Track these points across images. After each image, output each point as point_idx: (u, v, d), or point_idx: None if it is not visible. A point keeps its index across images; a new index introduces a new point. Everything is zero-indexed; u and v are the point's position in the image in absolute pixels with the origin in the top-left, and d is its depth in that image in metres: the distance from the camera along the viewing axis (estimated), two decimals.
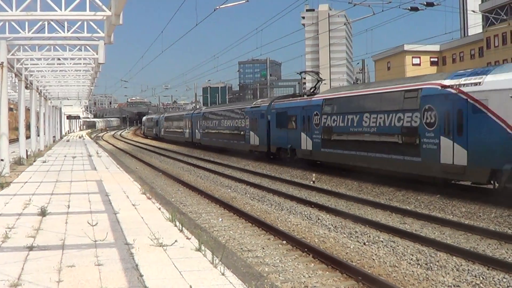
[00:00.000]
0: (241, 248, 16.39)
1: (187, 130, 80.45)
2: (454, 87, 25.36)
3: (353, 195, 27.40)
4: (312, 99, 40.09)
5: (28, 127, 51.72)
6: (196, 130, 74.73)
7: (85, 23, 24.82)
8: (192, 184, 32.48)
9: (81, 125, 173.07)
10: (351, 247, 16.51)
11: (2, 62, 27.40)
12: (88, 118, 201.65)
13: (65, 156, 44.31)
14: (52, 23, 25.64)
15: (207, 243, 11.80)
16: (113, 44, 25.87)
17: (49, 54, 34.75)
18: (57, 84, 57.74)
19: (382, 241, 17.05)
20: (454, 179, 26.98)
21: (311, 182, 33.30)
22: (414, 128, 28.00)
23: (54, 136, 76.48)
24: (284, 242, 17.07)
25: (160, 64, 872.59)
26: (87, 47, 32.43)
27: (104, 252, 11.10)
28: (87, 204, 17.84)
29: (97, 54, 30.38)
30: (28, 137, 49.46)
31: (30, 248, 11.53)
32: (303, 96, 44.44)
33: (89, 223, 14.10)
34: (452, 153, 25.31)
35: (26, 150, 39.19)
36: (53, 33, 26.89)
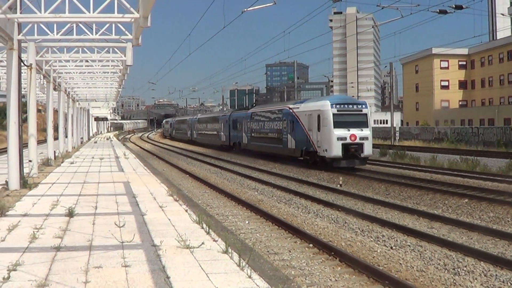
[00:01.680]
0: (268, 251, 16.37)
1: (188, 131, 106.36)
2: (292, 109, 48.82)
3: (380, 199, 27.29)
4: (248, 112, 65.55)
5: (56, 129, 51.97)
6: (194, 131, 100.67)
7: (113, 25, 24.89)
8: (219, 186, 32.52)
9: (108, 127, 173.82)
10: (378, 251, 16.44)
11: (31, 64, 27.51)
12: (116, 120, 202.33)
13: (93, 157, 44.56)
14: (80, 25, 25.76)
15: (234, 246, 11.79)
16: (141, 46, 25.90)
17: (77, 56, 34.92)
18: (85, 85, 58.03)
19: (409, 246, 16.96)
20: (292, 156, 48.99)
21: (338, 186, 33.27)
22: (280, 130, 51.90)
23: (81, 138, 76.90)
24: (311, 245, 17.03)
25: (187, 66, 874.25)
26: (115, 49, 32.55)
27: (131, 254, 11.13)
28: (115, 206, 17.91)
29: (125, 56, 30.40)
30: (56, 138, 49.72)
31: (58, 248, 11.58)
32: (247, 109, 71.32)
33: (116, 224, 14.15)
34: (291, 142, 48.80)
35: (54, 151, 39.43)
36: (81, 35, 26.98)
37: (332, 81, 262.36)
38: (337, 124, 41.01)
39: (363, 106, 42.77)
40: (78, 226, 14.26)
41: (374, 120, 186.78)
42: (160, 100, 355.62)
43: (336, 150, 40.51)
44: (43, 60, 33.71)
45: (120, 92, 68.89)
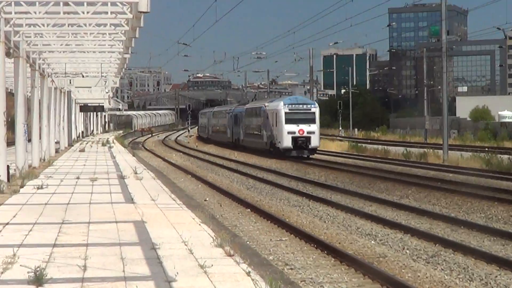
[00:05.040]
0: None
1: (205, 126, 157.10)
2: (266, 107, 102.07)
3: None
4: (244, 107, 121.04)
5: (11, 125, 52.33)
6: (210, 127, 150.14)
7: None
8: (306, 230, 32.49)
9: (106, 122, 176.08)
10: None
11: None
12: (119, 110, 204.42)
13: (78, 177, 44.79)
14: None
15: None
16: None
17: None
18: (64, 49, 58.26)
19: None
20: (265, 148, 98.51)
21: None
22: (259, 126, 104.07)
23: (57, 142, 77.48)
24: None
25: (245, 15, 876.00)
26: None
27: None
28: (118, 264, 17.88)
29: None
30: (10, 142, 50.15)
31: None
32: (245, 104, 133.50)
33: None
34: (265, 136, 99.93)
35: (7, 166, 39.61)
36: None
37: (511, 38, 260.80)
38: (288, 121, 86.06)
39: (312, 105, 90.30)
40: None
41: None
42: (199, 75, 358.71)
43: (287, 142, 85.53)
44: None
45: (126, 61, 69.13)
